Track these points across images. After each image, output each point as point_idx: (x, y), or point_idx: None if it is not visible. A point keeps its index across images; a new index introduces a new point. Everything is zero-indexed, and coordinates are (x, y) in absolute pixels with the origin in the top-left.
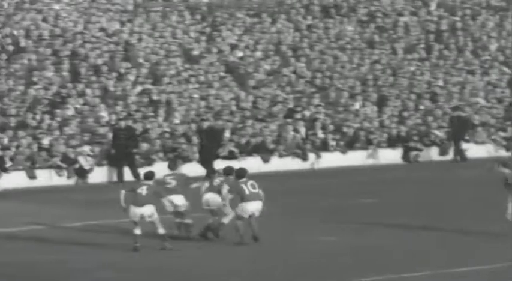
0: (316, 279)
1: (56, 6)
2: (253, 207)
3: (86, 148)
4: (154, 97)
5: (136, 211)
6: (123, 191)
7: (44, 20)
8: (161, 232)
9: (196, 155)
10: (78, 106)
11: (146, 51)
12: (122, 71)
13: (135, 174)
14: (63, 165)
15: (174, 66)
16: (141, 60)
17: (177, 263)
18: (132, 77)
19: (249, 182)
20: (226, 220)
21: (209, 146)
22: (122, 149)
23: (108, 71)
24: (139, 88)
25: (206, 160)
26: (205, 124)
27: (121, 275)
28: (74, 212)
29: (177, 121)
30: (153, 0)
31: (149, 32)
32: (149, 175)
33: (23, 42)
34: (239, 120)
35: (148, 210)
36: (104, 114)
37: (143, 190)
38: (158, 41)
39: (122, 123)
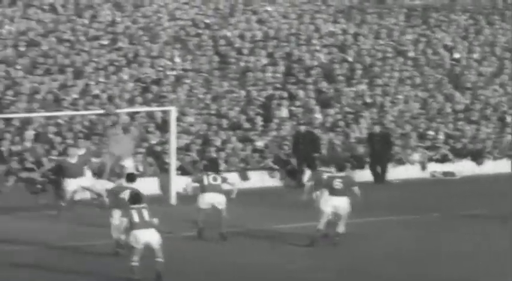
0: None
1: (270, 8)
2: None
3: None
4: (368, 99)
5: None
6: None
7: (259, 21)
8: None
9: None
10: (293, 108)
11: (362, 53)
12: (336, 72)
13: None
14: (276, 167)
15: (389, 67)
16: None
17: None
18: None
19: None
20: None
21: (380, 151)
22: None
23: (322, 72)
24: (353, 89)
25: (376, 165)
26: (377, 129)
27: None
28: (281, 214)
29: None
30: (368, 2)
31: (364, 33)
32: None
33: (237, 44)
34: (453, 122)
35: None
36: (318, 116)
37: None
38: (374, 42)
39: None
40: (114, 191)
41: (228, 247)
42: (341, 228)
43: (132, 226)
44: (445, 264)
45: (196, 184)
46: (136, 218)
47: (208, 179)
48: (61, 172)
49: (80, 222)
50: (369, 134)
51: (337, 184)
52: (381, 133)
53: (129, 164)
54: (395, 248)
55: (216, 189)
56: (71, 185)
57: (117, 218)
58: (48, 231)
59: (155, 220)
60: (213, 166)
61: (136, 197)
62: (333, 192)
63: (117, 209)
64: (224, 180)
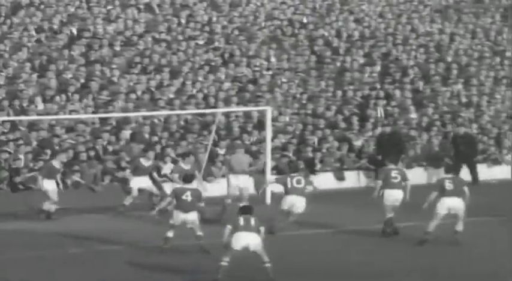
0: None
1: (366, 7)
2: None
3: None
4: (464, 99)
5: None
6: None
7: (356, 20)
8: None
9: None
10: (389, 108)
11: (458, 53)
12: (433, 72)
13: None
14: (371, 166)
15: (486, 66)
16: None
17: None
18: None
19: None
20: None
21: (465, 152)
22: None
23: (419, 72)
24: (448, 89)
25: (461, 167)
26: (462, 130)
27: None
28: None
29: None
30: (464, 2)
31: (461, 32)
32: None
33: (335, 43)
34: None
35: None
36: (414, 116)
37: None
38: (471, 41)
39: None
40: (177, 193)
41: (330, 245)
42: (460, 227)
43: (235, 229)
44: None
45: (280, 185)
46: (241, 222)
47: (292, 181)
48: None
49: (163, 222)
50: (453, 136)
51: (449, 185)
52: (465, 134)
53: (245, 182)
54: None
55: (298, 192)
56: (133, 183)
57: (175, 218)
58: (136, 231)
59: (261, 228)
60: (308, 166)
61: (246, 209)
62: (446, 193)
63: (178, 210)
64: (309, 183)
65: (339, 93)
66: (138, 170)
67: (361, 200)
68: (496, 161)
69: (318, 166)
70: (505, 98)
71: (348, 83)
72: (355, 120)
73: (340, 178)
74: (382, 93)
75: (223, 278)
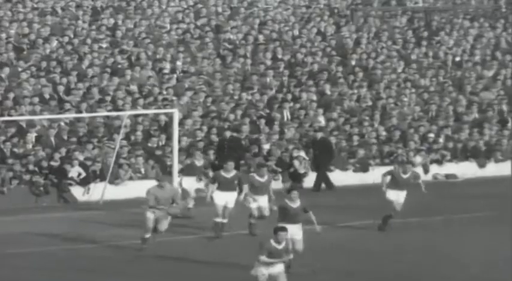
0: None
1: (272, 12)
2: None
3: (302, 153)
4: (369, 102)
5: None
6: None
7: (262, 24)
8: None
9: None
10: (294, 111)
11: (363, 56)
12: (338, 75)
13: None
14: (279, 169)
15: (391, 70)
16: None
17: None
18: (349, 81)
19: None
20: None
21: (321, 157)
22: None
23: (324, 75)
24: (355, 92)
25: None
26: (319, 135)
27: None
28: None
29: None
30: (370, 5)
31: (366, 36)
32: None
33: (241, 47)
34: (454, 125)
35: None
36: (321, 119)
37: None
38: (376, 45)
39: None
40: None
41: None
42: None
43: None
44: (444, 266)
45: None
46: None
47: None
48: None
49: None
50: (311, 141)
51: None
52: (322, 140)
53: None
54: (397, 249)
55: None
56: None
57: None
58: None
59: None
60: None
61: None
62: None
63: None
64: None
65: (245, 96)
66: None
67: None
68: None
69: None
70: (411, 100)
71: (253, 86)
72: (262, 123)
73: None
74: (289, 96)
75: None
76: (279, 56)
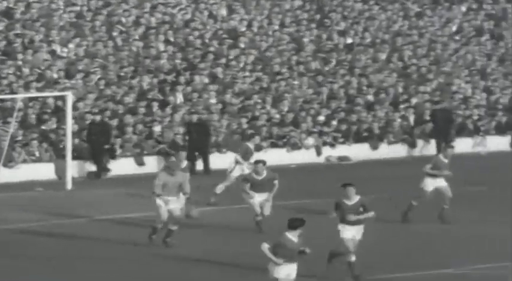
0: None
1: None
2: None
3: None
4: (263, 84)
5: None
6: None
7: (153, 7)
8: None
9: None
10: (187, 93)
11: (255, 39)
12: (231, 58)
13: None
14: (172, 152)
15: (283, 53)
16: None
17: None
18: (240, 65)
19: None
20: None
21: (197, 139)
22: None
23: (217, 58)
24: (247, 75)
25: (193, 153)
26: (195, 117)
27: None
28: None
29: (285, 109)
30: None
31: (259, 19)
32: None
33: (132, 31)
34: (347, 107)
35: None
36: (213, 101)
37: None
38: (268, 28)
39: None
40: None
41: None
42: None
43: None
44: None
45: None
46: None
47: None
48: None
49: None
50: (187, 124)
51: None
52: (199, 122)
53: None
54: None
55: None
56: None
57: None
58: None
59: None
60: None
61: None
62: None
63: None
64: None
65: (138, 79)
66: None
67: None
68: (296, 146)
69: (118, 152)
70: (303, 83)
71: (147, 70)
72: (155, 106)
73: (140, 163)
74: (182, 79)
75: None
76: (171, 39)
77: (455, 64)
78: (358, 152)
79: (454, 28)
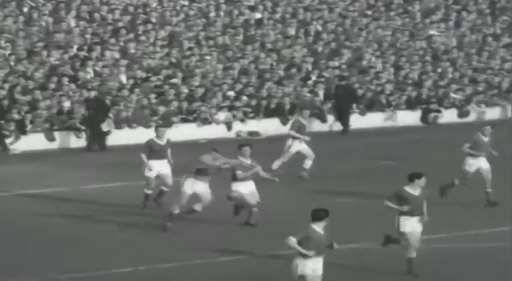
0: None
1: None
2: None
3: None
4: (173, 60)
5: None
6: None
7: None
8: None
9: None
10: (97, 69)
11: (164, 14)
12: (141, 33)
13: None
14: (82, 127)
15: (192, 28)
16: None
17: None
18: (151, 40)
19: None
20: None
21: (96, 115)
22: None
23: (127, 33)
24: (158, 50)
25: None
26: (93, 94)
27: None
28: (92, 175)
29: (196, 83)
30: None
31: None
32: None
33: (40, 5)
34: (257, 82)
35: None
36: (123, 77)
37: None
38: (177, 3)
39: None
40: None
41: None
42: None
43: None
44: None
45: None
46: None
47: None
48: None
49: None
50: (85, 99)
51: None
52: (95, 98)
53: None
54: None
55: None
56: None
57: None
58: None
59: None
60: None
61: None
62: None
63: None
64: None
65: (51, 54)
66: None
67: (71, 160)
68: (206, 121)
69: (29, 127)
70: (213, 58)
71: (57, 45)
72: (65, 81)
73: (51, 138)
74: (93, 54)
75: None
76: (82, 14)
77: (366, 39)
78: (268, 127)
79: (365, 3)
